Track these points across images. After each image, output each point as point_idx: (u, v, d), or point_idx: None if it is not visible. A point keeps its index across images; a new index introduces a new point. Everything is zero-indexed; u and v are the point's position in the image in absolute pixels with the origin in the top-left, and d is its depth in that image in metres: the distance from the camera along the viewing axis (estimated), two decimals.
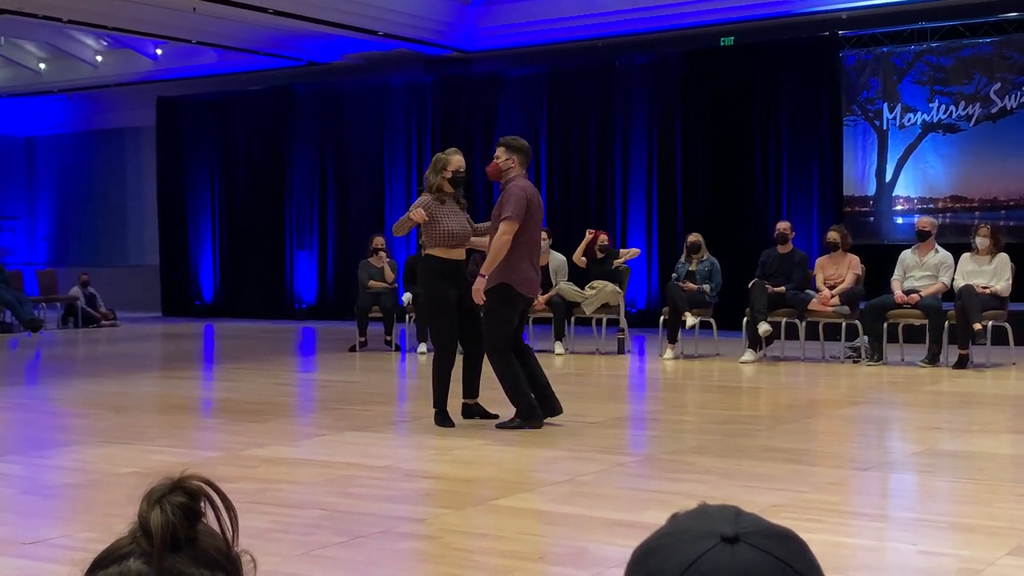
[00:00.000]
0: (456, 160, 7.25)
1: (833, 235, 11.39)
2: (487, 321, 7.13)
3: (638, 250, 13.42)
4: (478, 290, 7.03)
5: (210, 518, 1.10)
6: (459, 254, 7.28)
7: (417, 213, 7.13)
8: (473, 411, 7.40)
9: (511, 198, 7.01)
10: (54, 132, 22.18)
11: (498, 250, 6.97)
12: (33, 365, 12.59)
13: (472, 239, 7.36)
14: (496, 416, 7.28)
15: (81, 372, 11.44)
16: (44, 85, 20.64)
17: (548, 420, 7.18)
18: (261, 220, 18.51)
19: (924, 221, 11.20)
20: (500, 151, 7.18)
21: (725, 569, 0.95)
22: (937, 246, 11.02)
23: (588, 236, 12.35)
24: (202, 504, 1.08)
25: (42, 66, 20.38)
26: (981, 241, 10.73)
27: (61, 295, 17.28)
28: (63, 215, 22.31)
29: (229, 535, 1.10)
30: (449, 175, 7.22)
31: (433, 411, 7.30)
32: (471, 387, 7.42)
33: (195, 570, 1.05)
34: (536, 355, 7.44)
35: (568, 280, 12.40)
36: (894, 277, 11.03)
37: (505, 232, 6.97)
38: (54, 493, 5.52)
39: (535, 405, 7.08)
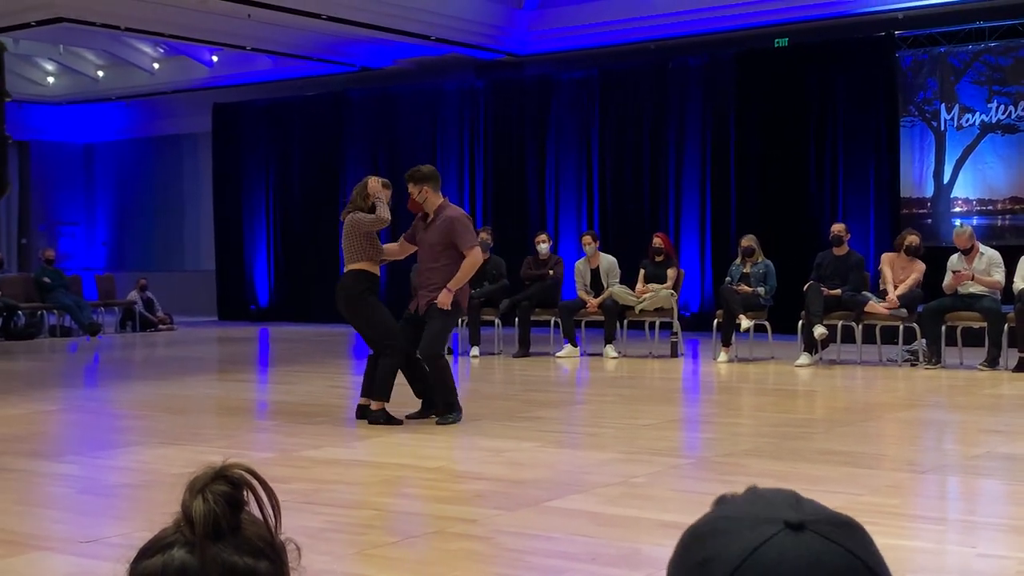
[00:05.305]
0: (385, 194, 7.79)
1: (912, 238, 11.23)
2: (437, 330, 7.50)
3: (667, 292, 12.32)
4: (444, 302, 7.44)
5: (252, 507, 1.09)
6: (378, 269, 7.84)
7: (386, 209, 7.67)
8: (367, 412, 7.65)
9: (462, 228, 7.54)
10: (112, 139, 22.48)
11: (469, 272, 7.52)
12: (92, 368, 12.75)
13: (384, 248, 7.99)
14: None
15: (139, 375, 11.57)
16: (102, 92, 20.95)
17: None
18: (315, 225, 18.61)
19: (962, 237, 10.94)
20: (411, 188, 7.65)
21: (792, 557, 0.88)
22: (981, 247, 10.86)
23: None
24: (244, 493, 1.08)
25: (100, 74, 20.67)
26: None
27: (119, 299, 17.50)
28: (121, 221, 22.60)
29: (272, 523, 1.09)
30: (371, 203, 7.69)
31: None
32: (371, 389, 7.66)
33: (239, 558, 1.05)
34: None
35: (621, 283, 12.35)
36: (945, 283, 10.87)
37: (477, 258, 7.55)
38: (112, 493, 5.58)
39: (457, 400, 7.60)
